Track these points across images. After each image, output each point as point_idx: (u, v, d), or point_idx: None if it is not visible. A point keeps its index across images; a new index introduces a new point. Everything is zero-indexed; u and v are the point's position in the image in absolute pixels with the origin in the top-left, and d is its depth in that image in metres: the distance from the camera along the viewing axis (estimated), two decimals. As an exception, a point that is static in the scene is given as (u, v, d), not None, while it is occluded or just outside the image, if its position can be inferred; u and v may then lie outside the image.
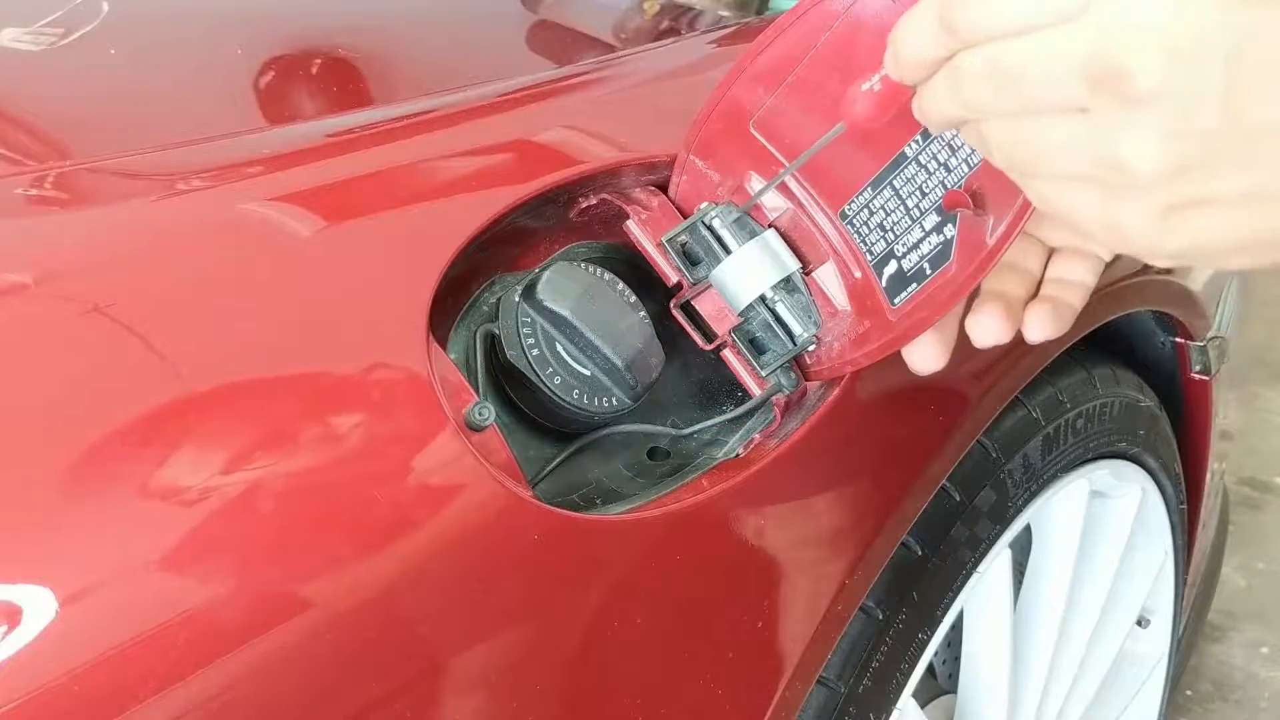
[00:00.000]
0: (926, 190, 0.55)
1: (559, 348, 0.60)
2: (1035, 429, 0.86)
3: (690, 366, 0.68)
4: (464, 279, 0.61)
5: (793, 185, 0.61)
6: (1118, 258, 0.60)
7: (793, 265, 0.62)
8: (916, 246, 0.57)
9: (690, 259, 0.63)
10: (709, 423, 0.64)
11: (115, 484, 0.43)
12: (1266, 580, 1.84)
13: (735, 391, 0.66)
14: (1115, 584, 1.04)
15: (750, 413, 0.64)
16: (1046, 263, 0.59)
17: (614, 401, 0.61)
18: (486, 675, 0.50)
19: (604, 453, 0.64)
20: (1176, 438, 1.10)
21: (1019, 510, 0.85)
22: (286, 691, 0.44)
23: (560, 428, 0.62)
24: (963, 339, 0.58)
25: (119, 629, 0.41)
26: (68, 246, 0.52)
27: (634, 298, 0.63)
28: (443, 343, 0.58)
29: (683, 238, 0.63)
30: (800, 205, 0.61)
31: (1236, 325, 1.23)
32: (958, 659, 0.91)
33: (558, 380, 0.59)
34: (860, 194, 0.58)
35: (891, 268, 0.58)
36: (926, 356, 0.59)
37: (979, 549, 0.80)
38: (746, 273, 0.62)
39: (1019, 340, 0.57)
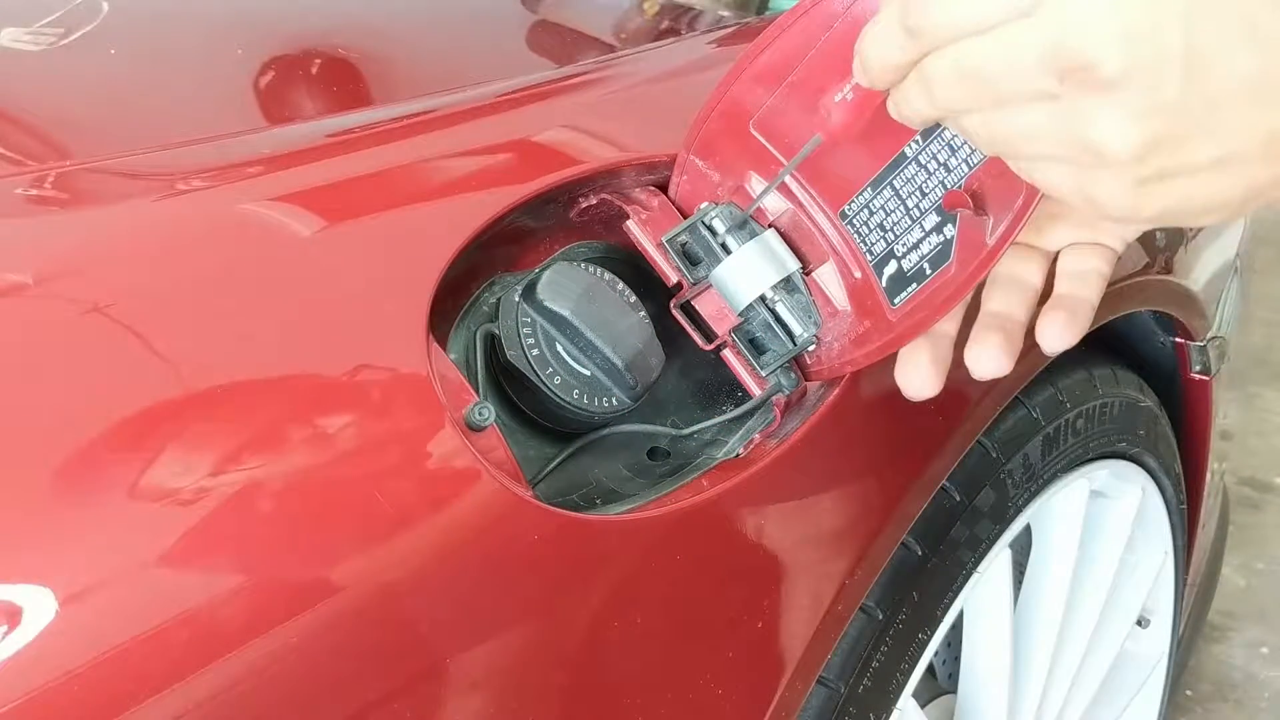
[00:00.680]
0: (926, 190, 0.55)
1: (559, 348, 0.60)
2: (1035, 429, 0.86)
3: (690, 366, 0.68)
4: (464, 279, 0.61)
5: (793, 185, 0.61)
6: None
7: (792, 265, 0.62)
8: (916, 246, 0.57)
9: (690, 259, 0.63)
10: (709, 423, 0.64)
11: (114, 484, 0.43)
12: (1266, 580, 1.84)
13: (735, 391, 0.66)
14: (1115, 584, 1.04)
15: (750, 413, 0.64)
16: (1050, 272, 0.58)
17: (614, 401, 0.61)
18: (487, 675, 0.50)
19: (604, 453, 0.64)
20: (1176, 438, 1.10)
21: (1019, 510, 0.85)
22: (286, 691, 0.44)
23: (560, 428, 0.62)
24: (958, 360, 0.57)
25: (119, 628, 0.41)
26: (68, 246, 0.52)
27: (634, 298, 0.63)
28: (443, 343, 0.58)
29: (683, 238, 0.63)
30: (800, 205, 0.61)
31: (1236, 325, 1.23)
32: (958, 659, 0.91)
33: (558, 380, 0.59)
34: (860, 194, 0.58)
35: (891, 268, 0.58)
36: (921, 381, 0.58)
37: (979, 549, 0.80)
38: (746, 273, 0.62)
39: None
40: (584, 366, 0.60)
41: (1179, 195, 0.43)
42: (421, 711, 0.48)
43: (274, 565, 0.45)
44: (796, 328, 0.62)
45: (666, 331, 0.63)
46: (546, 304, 0.59)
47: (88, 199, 0.60)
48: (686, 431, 0.64)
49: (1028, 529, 0.94)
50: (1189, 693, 1.61)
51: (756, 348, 0.63)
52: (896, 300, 0.58)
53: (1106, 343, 0.97)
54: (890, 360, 0.60)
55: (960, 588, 0.79)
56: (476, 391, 0.57)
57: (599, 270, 0.63)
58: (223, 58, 0.82)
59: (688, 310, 0.63)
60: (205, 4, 0.92)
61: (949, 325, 0.58)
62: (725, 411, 0.64)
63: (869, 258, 0.59)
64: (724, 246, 0.63)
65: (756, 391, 0.63)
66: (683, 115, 0.62)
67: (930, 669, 0.93)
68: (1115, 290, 0.89)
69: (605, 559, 0.55)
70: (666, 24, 1.06)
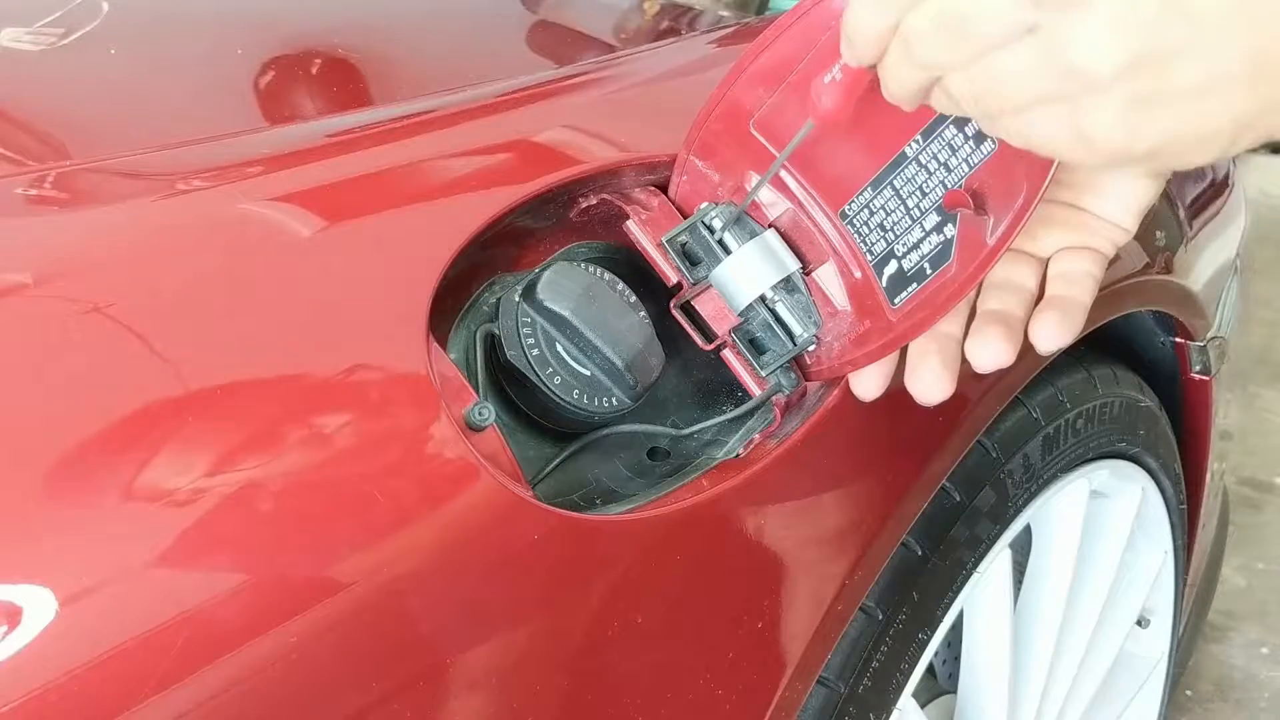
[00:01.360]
0: (927, 190, 0.55)
1: (559, 348, 0.60)
2: (1035, 429, 0.86)
3: (690, 366, 0.68)
4: (464, 279, 0.61)
5: (793, 185, 0.61)
6: (1118, 256, 0.60)
7: (792, 265, 0.62)
8: (917, 246, 0.57)
9: (690, 259, 0.63)
10: (709, 423, 0.64)
11: (113, 483, 0.43)
12: (1266, 580, 1.84)
13: (735, 391, 0.66)
14: (1115, 584, 1.04)
15: (750, 413, 0.64)
16: (1043, 279, 0.58)
17: (614, 401, 0.61)
18: (487, 675, 0.50)
19: (604, 453, 0.64)
20: (1176, 438, 1.10)
21: (1019, 510, 0.85)
22: (285, 691, 0.44)
23: (560, 428, 0.62)
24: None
25: (119, 628, 0.41)
26: (68, 247, 0.52)
27: (634, 298, 0.63)
28: (443, 343, 0.58)
29: (683, 238, 0.63)
30: (800, 205, 0.61)
31: (1236, 325, 1.23)
32: (958, 659, 0.91)
33: (558, 380, 0.59)
34: (860, 194, 0.58)
35: (892, 267, 0.58)
36: (933, 385, 0.57)
37: (979, 549, 0.80)
38: (746, 273, 0.62)
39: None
40: (584, 366, 0.60)
41: (1171, 123, 0.43)
42: (421, 711, 0.48)
43: (274, 564, 0.45)
44: (796, 328, 0.62)
45: (666, 331, 0.63)
46: (546, 304, 0.59)
47: (88, 199, 0.60)
48: (686, 431, 0.64)
49: (1028, 529, 0.94)
50: (1189, 693, 1.61)
51: (756, 348, 0.63)
52: (897, 300, 0.58)
53: (1106, 343, 0.97)
54: (890, 361, 0.60)
55: (960, 588, 0.79)
56: (476, 391, 0.57)
57: (599, 270, 0.63)
58: (223, 58, 0.82)
59: (688, 310, 0.63)
60: (205, 4, 0.92)
61: (954, 327, 0.58)
62: (725, 411, 0.64)
63: (869, 257, 0.59)
64: (724, 246, 0.63)
65: (756, 391, 0.63)
66: (683, 115, 0.62)
67: (930, 669, 0.93)
68: (1115, 290, 0.89)
69: (605, 559, 0.55)
70: (666, 24, 1.06)
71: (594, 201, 0.64)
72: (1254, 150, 0.60)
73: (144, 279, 0.51)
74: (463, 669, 0.50)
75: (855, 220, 0.59)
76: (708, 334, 0.63)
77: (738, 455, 0.62)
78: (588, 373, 0.60)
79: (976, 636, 0.89)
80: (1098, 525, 1.01)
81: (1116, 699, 1.15)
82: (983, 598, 0.85)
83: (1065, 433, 0.89)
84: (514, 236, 0.62)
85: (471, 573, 0.50)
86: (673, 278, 0.63)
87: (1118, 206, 0.57)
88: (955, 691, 0.92)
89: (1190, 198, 1.07)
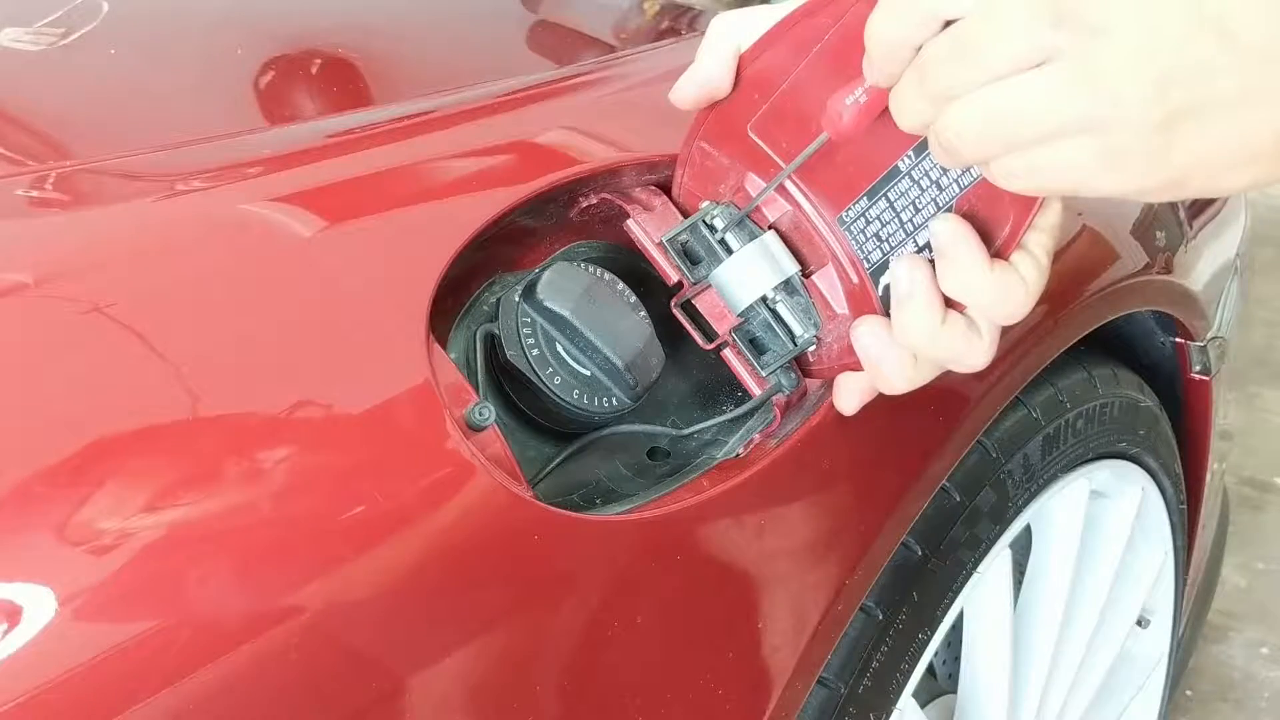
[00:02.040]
0: (920, 206, 0.55)
1: (559, 348, 0.60)
2: (1035, 429, 0.86)
3: (690, 366, 0.68)
4: (464, 279, 0.61)
5: (793, 189, 0.61)
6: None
7: (791, 269, 0.62)
8: None
9: (691, 259, 0.63)
10: (709, 423, 0.64)
11: (112, 483, 0.43)
12: (1266, 580, 1.84)
13: (735, 391, 0.66)
14: (1115, 584, 1.04)
15: (750, 413, 0.64)
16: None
17: (614, 401, 0.61)
18: (486, 675, 0.50)
19: (604, 453, 0.64)
20: (1176, 438, 1.10)
21: (1019, 510, 0.85)
22: (285, 691, 0.44)
23: (560, 428, 0.62)
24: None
25: (116, 630, 0.41)
26: (68, 247, 0.52)
27: (634, 298, 0.63)
28: (443, 343, 0.58)
29: (683, 237, 0.63)
30: (800, 209, 0.61)
31: (1236, 325, 1.23)
32: (958, 659, 0.91)
33: (558, 380, 0.59)
34: (857, 202, 0.58)
35: (887, 278, 0.58)
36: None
37: (979, 549, 0.80)
38: (747, 274, 0.62)
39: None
40: (584, 366, 0.60)
41: (1205, 143, 0.41)
42: (421, 711, 0.48)
43: (272, 565, 0.45)
44: (797, 328, 0.62)
45: (666, 332, 0.63)
46: (546, 304, 0.59)
47: (88, 199, 0.60)
48: (686, 431, 0.64)
49: (1028, 529, 0.94)
50: (1189, 693, 1.61)
51: (757, 347, 0.63)
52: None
53: (1107, 343, 0.97)
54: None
55: (960, 588, 0.79)
56: (476, 391, 0.57)
57: (599, 270, 0.63)
58: (223, 58, 0.82)
59: (688, 309, 0.63)
60: (205, 4, 0.92)
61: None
62: (725, 411, 0.64)
63: (866, 266, 0.59)
64: (725, 246, 0.63)
65: (757, 391, 0.62)
66: (683, 115, 0.62)
67: (930, 669, 0.93)
68: (1115, 290, 0.89)
69: (605, 559, 0.55)
70: (666, 24, 1.06)
71: (594, 201, 0.64)
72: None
73: (144, 279, 0.51)
74: (462, 669, 0.50)
75: (853, 228, 0.59)
76: (708, 333, 0.63)
77: (738, 455, 0.62)
78: (588, 373, 0.60)
79: (976, 636, 0.89)
80: (1098, 525, 1.01)
81: (1116, 699, 1.15)
82: (983, 598, 0.85)
83: (1065, 433, 0.89)
84: (514, 236, 0.62)
85: (471, 573, 0.50)
86: (673, 277, 0.63)
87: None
88: (955, 691, 0.92)
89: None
